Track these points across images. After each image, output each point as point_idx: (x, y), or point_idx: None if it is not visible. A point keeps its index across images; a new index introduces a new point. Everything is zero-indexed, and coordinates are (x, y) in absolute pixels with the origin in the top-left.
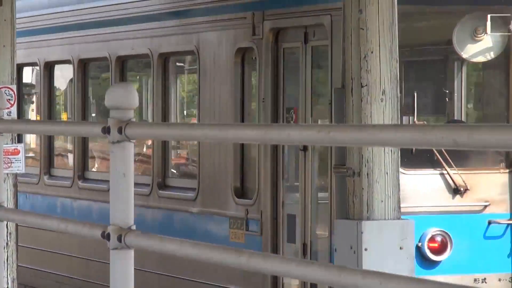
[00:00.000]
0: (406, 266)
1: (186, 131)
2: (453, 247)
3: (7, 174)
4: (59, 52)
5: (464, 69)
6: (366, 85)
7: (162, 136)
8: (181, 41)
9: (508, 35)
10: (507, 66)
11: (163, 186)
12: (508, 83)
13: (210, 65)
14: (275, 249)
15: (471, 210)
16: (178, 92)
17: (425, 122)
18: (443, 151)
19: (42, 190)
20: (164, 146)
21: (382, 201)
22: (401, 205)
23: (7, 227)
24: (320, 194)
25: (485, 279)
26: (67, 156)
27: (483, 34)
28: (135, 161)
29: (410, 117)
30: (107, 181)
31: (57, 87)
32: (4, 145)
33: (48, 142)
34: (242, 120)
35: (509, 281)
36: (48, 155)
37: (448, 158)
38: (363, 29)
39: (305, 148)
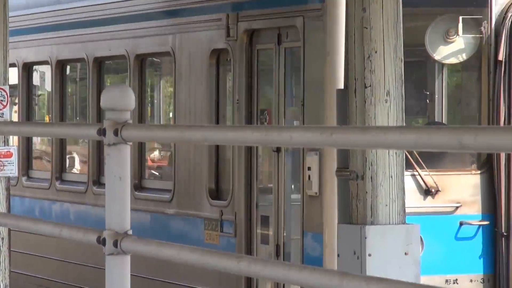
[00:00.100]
0: (412, 272)
1: (184, 133)
2: (425, 248)
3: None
4: (37, 53)
5: (445, 70)
6: (370, 85)
7: (160, 138)
8: (157, 42)
9: (480, 37)
10: (479, 67)
11: (139, 187)
12: (480, 84)
13: (185, 66)
14: (249, 251)
15: (443, 211)
16: (155, 94)
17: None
18: (414, 152)
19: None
20: (141, 148)
21: (386, 205)
22: None
23: None
24: (293, 196)
25: (456, 280)
26: (46, 158)
27: (455, 36)
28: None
29: None
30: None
31: (36, 88)
32: None
33: (27, 144)
34: (217, 122)
35: (481, 282)
36: (26, 157)
37: (420, 159)
38: (366, 28)
39: (278, 150)
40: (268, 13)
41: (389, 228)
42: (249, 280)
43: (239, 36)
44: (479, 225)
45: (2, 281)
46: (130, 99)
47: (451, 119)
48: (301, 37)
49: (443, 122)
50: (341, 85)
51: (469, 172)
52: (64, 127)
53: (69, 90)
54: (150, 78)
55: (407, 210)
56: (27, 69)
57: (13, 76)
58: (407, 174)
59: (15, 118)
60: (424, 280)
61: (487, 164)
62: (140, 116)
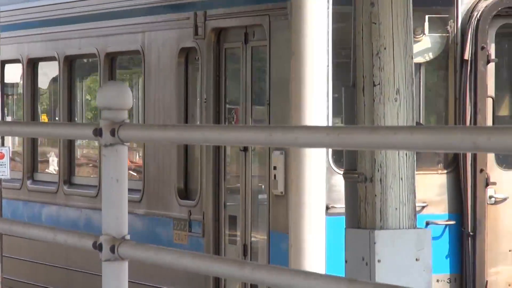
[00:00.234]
0: (423, 279)
1: (184, 133)
2: None
3: None
4: (8, 52)
5: (423, 70)
6: (379, 83)
7: (159, 138)
8: (127, 40)
9: (447, 36)
10: (446, 66)
11: None
12: (447, 83)
13: (154, 65)
14: (217, 251)
15: None
16: None
17: None
18: None
19: None
20: None
21: (396, 208)
22: (339, 206)
23: None
24: (261, 196)
25: None
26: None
27: (421, 35)
28: (82, 164)
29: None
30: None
31: (9, 87)
32: None
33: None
34: (186, 121)
35: (447, 282)
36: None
37: None
38: (375, 24)
39: (245, 149)
40: (235, 11)
41: (399, 233)
42: (217, 280)
43: (207, 34)
44: (446, 225)
45: None
46: (128, 98)
47: (425, 119)
48: (267, 36)
49: (421, 122)
50: (307, 85)
51: (436, 172)
52: (58, 127)
53: (42, 88)
54: (120, 77)
55: None
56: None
57: None
58: None
59: None
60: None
61: (453, 164)
62: None
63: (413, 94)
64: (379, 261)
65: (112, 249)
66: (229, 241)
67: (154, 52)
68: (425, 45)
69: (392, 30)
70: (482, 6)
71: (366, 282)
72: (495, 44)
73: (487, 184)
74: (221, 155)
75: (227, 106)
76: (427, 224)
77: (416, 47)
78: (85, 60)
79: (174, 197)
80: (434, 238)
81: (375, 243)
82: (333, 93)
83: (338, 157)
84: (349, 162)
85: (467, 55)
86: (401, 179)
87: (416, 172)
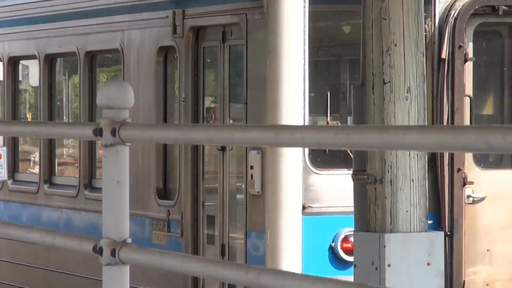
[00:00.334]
0: (434, 284)
1: (188, 133)
2: None
3: None
4: None
5: None
6: (389, 81)
7: (161, 138)
8: (107, 39)
9: (424, 34)
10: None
11: (89, 187)
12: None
13: (134, 64)
14: (195, 251)
15: None
16: None
17: (338, 123)
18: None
19: None
20: (91, 146)
21: (407, 211)
22: (314, 205)
23: None
24: (239, 195)
25: None
26: None
27: None
28: (62, 163)
29: (322, 117)
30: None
31: None
32: None
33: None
34: (165, 120)
35: None
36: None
37: None
38: (385, 19)
39: (223, 148)
40: (213, 10)
41: (410, 236)
42: (195, 280)
43: (185, 33)
44: None
45: None
46: (129, 96)
47: None
48: (244, 35)
49: None
50: (283, 84)
51: None
52: (57, 127)
53: (22, 87)
54: (100, 75)
55: (349, 210)
56: None
57: None
58: (349, 173)
59: None
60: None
61: (430, 163)
62: (91, 114)
63: (424, 93)
64: (389, 265)
65: (113, 253)
66: (207, 241)
67: (133, 50)
68: None
69: (403, 26)
70: (459, 4)
71: None
72: (473, 43)
73: (464, 184)
74: (199, 154)
75: (206, 105)
76: None
77: None
78: (65, 59)
79: (153, 197)
80: None
81: (385, 246)
82: (310, 92)
83: (315, 157)
84: (358, 162)
85: (444, 54)
86: (412, 180)
87: None
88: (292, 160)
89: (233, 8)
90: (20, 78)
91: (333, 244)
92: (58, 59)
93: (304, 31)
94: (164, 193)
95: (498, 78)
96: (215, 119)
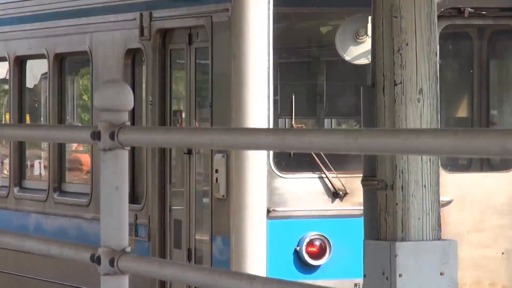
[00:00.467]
0: None
1: (190, 137)
2: (332, 251)
3: None
4: None
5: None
6: (401, 82)
7: (162, 142)
8: (76, 41)
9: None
10: None
11: (59, 191)
12: None
13: (102, 66)
14: (162, 255)
15: (351, 214)
16: (75, 94)
17: (303, 126)
18: (322, 154)
19: None
20: (60, 148)
21: (419, 218)
22: (278, 209)
23: None
24: (205, 199)
25: None
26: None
27: (365, 36)
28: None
29: (287, 119)
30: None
31: None
32: None
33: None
34: (133, 123)
35: None
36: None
37: (327, 162)
38: (396, 18)
39: (189, 152)
40: (180, 12)
41: (422, 245)
42: (162, 284)
43: (152, 35)
44: None
45: None
46: (128, 98)
47: None
48: (209, 37)
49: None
50: (248, 87)
51: None
52: (54, 130)
53: None
54: (69, 78)
55: (314, 213)
56: None
57: None
58: (315, 176)
59: None
60: (332, 284)
61: None
62: (60, 117)
63: (437, 94)
64: (400, 275)
65: (111, 262)
66: (174, 246)
67: (101, 53)
68: (368, 47)
69: (415, 24)
70: None
71: None
72: (439, 45)
73: None
74: (166, 158)
75: (173, 108)
76: None
77: (360, 49)
78: (35, 61)
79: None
80: None
81: (396, 256)
82: (274, 94)
83: (280, 160)
84: (367, 168)
85: None
86: (425, 186)
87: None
88: (257, 164)
89: (199, 10)
90: None
91: (298, 248)
92: (29, 61)
93: (269, 33)
94: (132, 197)
95: (467, 80)
96: (182, 122)
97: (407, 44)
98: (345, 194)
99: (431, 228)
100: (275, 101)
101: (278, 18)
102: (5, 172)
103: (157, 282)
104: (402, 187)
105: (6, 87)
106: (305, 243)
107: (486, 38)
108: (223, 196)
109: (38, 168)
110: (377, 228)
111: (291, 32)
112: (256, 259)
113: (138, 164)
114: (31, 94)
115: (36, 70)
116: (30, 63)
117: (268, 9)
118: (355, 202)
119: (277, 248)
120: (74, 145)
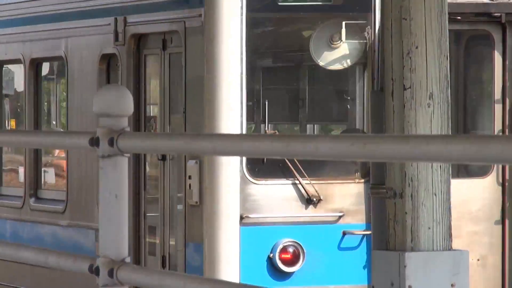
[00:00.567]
0: None
1: (191, 143)
2: (306, 258)
3: None
4: None
5: (366, 75)
6: (410, 87)
7: (163, 148)
8: (51, 46)
9: (365, 42)
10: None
11: (35, 197)
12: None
13: (77, 71)
14: (137, 262)
15: (325, 220)
16: (51, 99)
17: (276, 132)
18: (295, 160)
19: None
20: (36, 154)
21: (429, 228)
22: (252, 215)
23: None
24: (179, 206)
25: None
26: None
27: (339, 42)
28: (6, 170)
29: (262, 125)
30: None
31: None
32: None
33: None
34: None
35: None
36: None
37: (301, 168)
38: (406, 19)
39: (163, 157)
40: (154, 18)
41: (432, 255)
42: None
43: (127, 41)
44: (363, 235)
45: None
46: (128, 103)
47: None
48: (183, 42)
49: (364, 129)
50: (221, 93)
51: (353, 181)
52: (51, 136)
53: None
54: (45, 83)
55: (287, 220)
56: None
57: None
58: (288, 182)
59: None
60: None
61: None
62: (36, 122)
63: (448, 99)
64: (410, 286)
65: (111, 273)
66: (149, 252)
67: (77, 58)
68: (342, 52)
69: (425, 26)
70: None
71: None
72: None
73: None
74: (141, 163)
75: (147, 114)
76: (344, 234)
77: (334, 54)
78: (11, 66)
79: (96, 207)
80: (351, 248)
81: (405, 266)
82: (247, 100)
83: (253, 166)
84: (376, 175)
85: None
86: (435, 194)
87: (332, 181)
88: (230, 170)
89: (173, 16)
90: None
91: (271, 254)
92: (4, 66)
93: (242, 38)
94: None
95: None
96: (156, 128)
97: (416, 47)
98: (319, 200)
99: (442, 238)
100: (248, 107)
101: (251, 23)
102: None
103: None
104: (411, 196)
105: None
106: (278, 250)
107: (463, 44)
108: (196, 202)
109: (14, 173)
110: (385, 238)
111: (264, 38)
112: (229, 266)
113: None
114: (10, 99)
115: (12, 75)
116: (6, 69)
117: (241, 14)
118: (328, 208)
119: (250, 255)
120: (50, 150)
